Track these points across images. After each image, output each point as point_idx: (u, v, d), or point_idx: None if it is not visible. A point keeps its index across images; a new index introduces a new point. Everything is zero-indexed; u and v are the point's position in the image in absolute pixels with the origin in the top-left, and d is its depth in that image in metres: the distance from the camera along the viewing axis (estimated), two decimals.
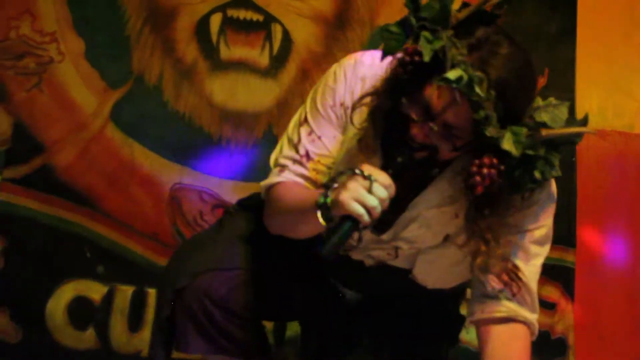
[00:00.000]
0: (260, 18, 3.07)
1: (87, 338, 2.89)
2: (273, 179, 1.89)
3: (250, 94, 3.04)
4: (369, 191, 1.58)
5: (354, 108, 1.80)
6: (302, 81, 3.07)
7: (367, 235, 1.83)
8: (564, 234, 3.26)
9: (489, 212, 1.71)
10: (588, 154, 3.30)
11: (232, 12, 3.06)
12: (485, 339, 1.88)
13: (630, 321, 3.30)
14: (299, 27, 3.09)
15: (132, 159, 2.96)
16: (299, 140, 1.87)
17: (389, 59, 1.71)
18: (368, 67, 1.83)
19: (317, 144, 1.85)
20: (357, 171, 1.61)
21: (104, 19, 2.99)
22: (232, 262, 1.99)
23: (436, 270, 1.96)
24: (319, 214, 1.63)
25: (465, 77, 1.55)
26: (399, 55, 1.65)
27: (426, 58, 1.58)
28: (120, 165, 2.96)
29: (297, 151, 1.87)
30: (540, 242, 1.93)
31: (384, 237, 1.88)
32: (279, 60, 3.08)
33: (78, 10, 2.98)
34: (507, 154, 1.61)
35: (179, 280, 1.95)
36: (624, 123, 3.36)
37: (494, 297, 1.86)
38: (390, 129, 1.71)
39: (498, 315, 1.86)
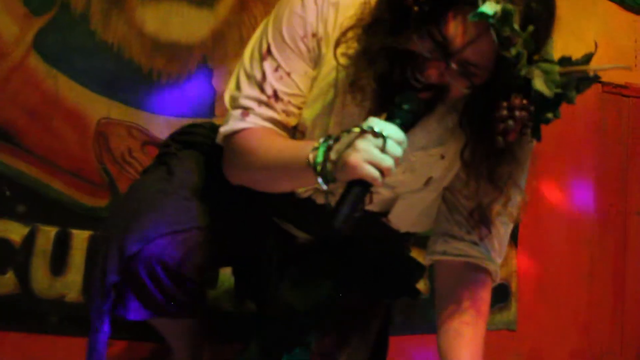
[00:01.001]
0: None
1: (6, 282, 2.73)
2: (236, 124, 1.73)
3: (184, 24, 2.89)
4: (382, 150, 1.46)
5: (338, 44, 1.62)
6: (240, 12, 2.94)
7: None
8: None
9: (496, 158, 1.61)
10: None
11: None
12: (443, 281, 1.83)
13: (572, 268, 3.31)
14: None
15: (56, 92, 2.80)
16: (264, 77, 1.71)
17: None
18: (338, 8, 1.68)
19: (286, 81, 1.71)
20: (366, 128, 1.47)
21: None
22: (187, 221, 1.85)
23: (413, 214, 1.88)
24: (320, 180, 1.51)
25: (499, 11, 1.43)
26: None
27: None
28: (43, 97, 2.79)
29: (262, 90, 1.71)
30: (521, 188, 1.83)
31: None
32: None
33: None
34: (534, 94, 1.50)
35: (129, 246, 1.80)
36: None
37: (459, 238, 1.81)
38: (389, 68, 1.55)
39: (460, 259, 1.80)
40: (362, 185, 1.48)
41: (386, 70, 1.55)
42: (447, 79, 1.53)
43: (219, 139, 1.80)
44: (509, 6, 1.45)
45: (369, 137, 1.47)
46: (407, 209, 1.86)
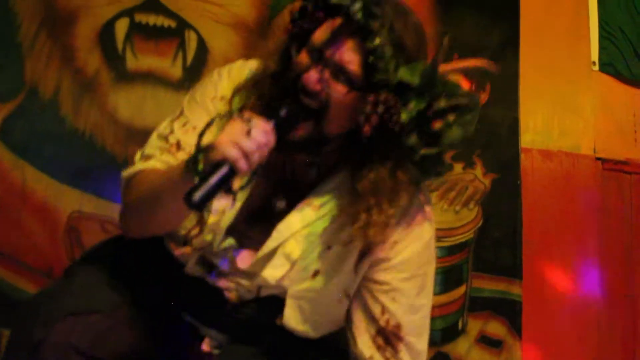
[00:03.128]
0: (173, 24, 2.87)
1: None
2: (136, 166, 1.79)
3: (159, 110, 2.80)
4: (247, 135, 1.52)
5: (237, 91, 1.75)
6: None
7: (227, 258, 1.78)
8: (509, 265, 3.17)
9: (373, 196, 1.67)
10: (533, 176, 3.22)
11: (141, 17, 2.85)
12: None
13: (579, 354, 3.20)
14: (216, 34, 2.90)
15: (24, 183, 2.70)
16: (171, 131, 1.80)
17: None
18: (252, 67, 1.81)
19: (190, 134, 1.76)
20: (235, 114, 1.59)
21: None
22: (90, 305, 1.78)
23: (309, 316, 1.82)
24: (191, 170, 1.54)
25: (359, 1, 1.58)
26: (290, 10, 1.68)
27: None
28: (10, 190, 2.69)
29: (166, 141, 1.79)
30: (420, 288, 1.81)
31: (245, 265, 1.78)
32: (193, 72, 2.87)
33: None
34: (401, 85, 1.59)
35: (34, 333, 1.69)
36: (571, 143, 3.29)
37: None
38: (277, 91, 1.67)
39: None
40: (228, 167, 1.51)
41: (273, 90, 1.68)
42: (325, 86, 1.62)
43: (121, 186, 1.82)
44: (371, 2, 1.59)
45: (237, 121, 1.54)
46: (300, 310, 1.81)
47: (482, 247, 3.11)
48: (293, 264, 1.75)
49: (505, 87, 3.20)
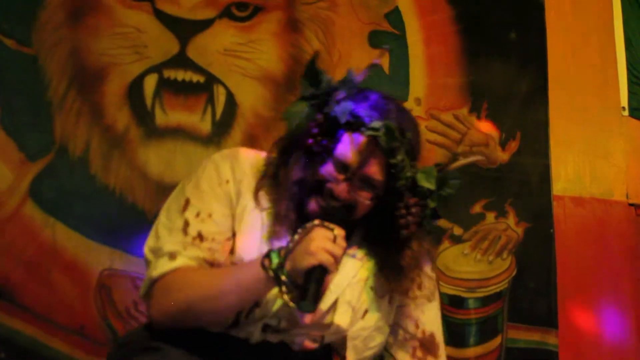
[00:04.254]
0: (201, 79, 2.90)
1: None
2: (166, 266, 1.89)
3: (189, 165, 2.81)
4: (334, 241, 1.78)
5: (258, 189, 1.95)
6: (249, 148, 2.85)
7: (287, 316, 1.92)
8: (544, 314, 3.17)
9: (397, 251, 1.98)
10: (566, 223, 3.22)
11: (169, 73, 2.88)
12: None
13: None
14: (245, 88, 2.94)
15: (54, 242, 2.71)
16: (186, 223, 1.92)
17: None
18: (244, 152, 2.06)
19: (208, 222, 1.92)
20: (317, 223, 1.81)
21: (22, 81, 2.76)
22: None
23: (361, 352, 2.04)
24: (275, 278, 1.77)
25: (383, 127, 1.87)
26: (310, 125, 1.92)
27: (343, 119, 1.88)
28: (41, 249, 2.70)
29: (186, 234, 1.91)
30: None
31: (309, 320, 1.94)
32: (222, 126, 2.90)
33: None
34: (420, 189, 1.91)
35: None
36: (603, 189, 3.28)
37: None
38: (304, 198, 1.91)
39: None
40: (321, 269, 1.74)
41: (302, 199, 1.90)
42: (354, 195, 1.89)
43: (144, 286, 1.94)
44: (390, 123, 1.87)
45: (321, 230, 1.79)
46: (353, 349, 2.01)
47: (517, 297, 3.10)
48: (353, 308, 1.98)
49: (535, 134, 3.22)
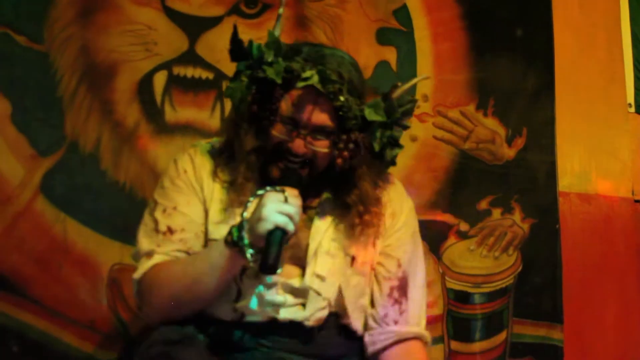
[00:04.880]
0: (210, 76, 2.93)
1: None
2: (144, 265, 2.00)
3: None
4: (286, 202, 1.84)
5: (215, 169, 2.07)
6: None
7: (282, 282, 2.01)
8: (549, 310, 3.20)
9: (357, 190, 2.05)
10: (572, 220, 3.25)
11: (179, 70, 2.92)
12: None
13: None
14: None
15: (65, 237, 2.74)
16: (156, 222, 2.04)
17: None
18: (202, 142, 2.19)
19: (174, 215, 2.02)
20: (267, 189, 1.87)
21: (33, 78, 2.79)
22: None
23: (358, 305, 2.12)
24: (244, 251, 1.83)
25: (315, 74, 1.92)
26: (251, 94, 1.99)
27: (278, 80, 1.94)
28: (52, 243, 2.73)
29: (157, 232, 2.02)
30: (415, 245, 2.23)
31: (301, 282, 2.02)
32: None
33: (3, 69, 2.77)
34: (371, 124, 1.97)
35: None
36: (609, 186, 3.30)
37: (381, 325, 2.14)
38: (263, 166, 1.99)
39: (389, 342, 2.12)
40: (281, 232, 1.80)
41: (261, 168, 1.99)
42: (311, 148, 1.95)
43: (133, 289, 2.05)
44: (322, 68, 1.93)
45: (271, 194, 1.85)
46: (352, 300, 2.09)
47: (523, 292, 3.13)
48: (333, 256, 2.06)
49: (541, 131, 3.24)
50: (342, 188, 2.06)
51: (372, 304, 2.15)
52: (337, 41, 3.07)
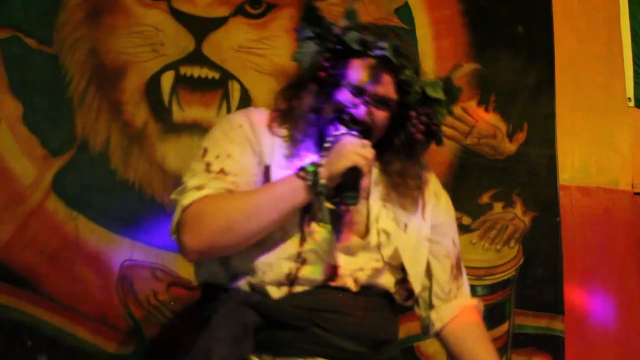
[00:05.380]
0: (216, 75, 3.00)
1: None
2: (193, 195, 1.96)
3: None
4: (363, 146, 1.94)
5: (271, 122, 2.11)
6: None
7: (354, 242, 2.07)
8: (551, 301, 3.25)
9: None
10: (572, 212, 3.29)
11: (185, 70, 2.98)
12: (451, 337, 2.28)
13: None
14: (259, 84, 3.03)
15: (77, 234, 2.81)
16: (207, 165, 2.01)
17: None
18: (255, 107, 2.26)
19: (229, 161, 2.01)
20: (344, 131, 1.97)
21: (43, 79, 2.86)
22: None
23: (417, 267, 2.20)
24: (312, 184, 1.91)
25: (389, 47, 2.01)
26: (321, 60, 2.06)
27: (356, 47, 2.03)
28: (64, 241, 2.80)
29: (209, 172, 2.00)
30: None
31: (368, 239, 2.08)
32: None
33: (15, 71, 2.85)
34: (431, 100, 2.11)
35: None
36: (609, 179, 3.36)
37: (445, 301, 2.28)
38: (322, 128, 2.05)
39: (454, 314, 2.28)
40: (355, 172, 1.89)
41: (320, 129, 2.04)
42: (371, 116, 2.04)
43: (174, 220, 2.01)
44: (395, 42, 2.03)
45: (351, 136, 1.95)
46: (410, 260, 2.16)
47: (524, 284, 3.19)
48: (393, 220, 2.13)
49: (542, 126, 3.29)
50: (389, 160, 2.16)
51: (431, 279, 2.28)
52: None
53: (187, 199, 1.97)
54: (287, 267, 1.99)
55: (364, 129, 2.03)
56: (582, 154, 3.33)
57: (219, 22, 3.02)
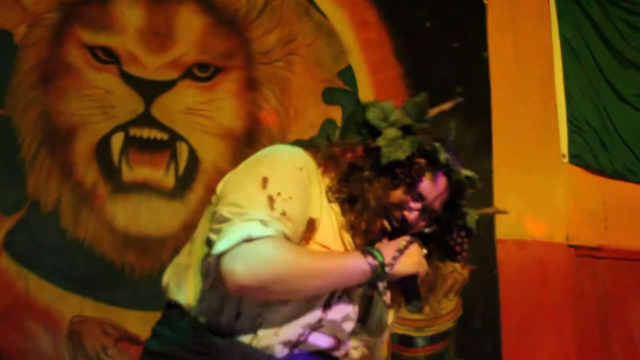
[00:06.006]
0: (165, 137, 3.12)
1: None
2: (259, 231, 1.80)
3: (154, 218, 3.06)
4: (424, 257, 1.99)
5: (331, 189, 2.03)
6: (210, 202, 3.06)
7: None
8: (489, 352, 3.36)
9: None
10: (509, 265, 3.41)
11: (135, 131, 3.10)
12: None
13: None
14: (206, 145, 3.16)
15: (28, 292, 2.91)
16: (271, 199, 1.85)
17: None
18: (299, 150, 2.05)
19: (290, 204, 1.88)
20: (416, 239, 1.99)
21: None
22: None
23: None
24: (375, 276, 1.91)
25: (465, 178, 2.11)
26: (408, 157, 2.04)
27: (443, 161, 2.06)
28: (15, 299, 2.89)
29: (273, 209, 1.84)
30: None
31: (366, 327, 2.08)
32: (185, 181, 3.13)
33: None
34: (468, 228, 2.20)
35: None
36: (544, 233, 3.48)
37: None
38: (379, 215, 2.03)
39: None
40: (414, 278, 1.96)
41: (377, 216, 2.02)
42: (419, 224, 2.05)
43: (227, 243, 1.80)
44: (474, 175, 2.11)
45: (419, 247, 1.97)
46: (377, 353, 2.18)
47: (463, 335, 3.31)
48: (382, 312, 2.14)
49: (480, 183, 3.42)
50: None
51: None
52: (286, 102, 3.26)
53: (253, 230, 1.80)
54: (302, 330, 1.98)
55: (403, 229, 2.05)
56: (518, 208, 3.46)
57: (168, 85, 3.15)
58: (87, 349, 2.91)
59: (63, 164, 3.01)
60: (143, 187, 3.07)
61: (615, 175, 3.69)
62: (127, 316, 2.96)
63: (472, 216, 2.19)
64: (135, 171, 3.07)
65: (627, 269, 3.59)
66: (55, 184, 3.00)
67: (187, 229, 3.05)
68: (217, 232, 1.82)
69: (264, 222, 1.81)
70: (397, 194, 2.04)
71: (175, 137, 3.12)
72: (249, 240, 1.79)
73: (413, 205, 2.05)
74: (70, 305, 2.93)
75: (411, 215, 2.04)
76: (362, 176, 2.06)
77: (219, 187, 1.96)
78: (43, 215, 2.97)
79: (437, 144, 2.10)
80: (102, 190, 3.03)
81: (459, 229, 2.18)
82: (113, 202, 3.03)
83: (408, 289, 1.98)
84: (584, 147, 3.64)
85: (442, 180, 2.08)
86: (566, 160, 3.60)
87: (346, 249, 1.98)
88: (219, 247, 1.80)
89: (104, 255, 2.99)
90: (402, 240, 1.98)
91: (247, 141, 3.19)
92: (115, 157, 3.06)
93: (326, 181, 2.04)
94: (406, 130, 2.12)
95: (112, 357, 2.91)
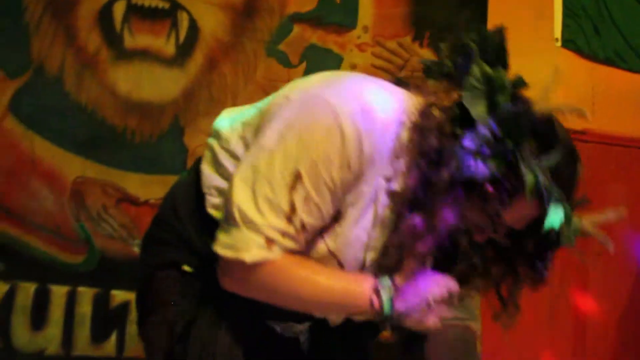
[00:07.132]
0: (166, 6, 3.21)
1: None
2: (261, 254, 1.65)
3: (155, 84, 3.18)
4: (450, 300, 1.74)
5: (389, 180, 1.70)
6: (210, 71, 3.23)
7: None
8: None
9: None
10: None
11: (137, 0, 3.17)
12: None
13: None
14: (206, 15, 3.24)
15: (33, 152, 3.05)
16: (293, 209, 1.65)
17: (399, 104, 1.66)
18: (382, 117, 1.65)
19: (314, 213, 1.67)
20: (448, 294, 1.73)
21: (0, 5, 3.06)
22: None
23: None
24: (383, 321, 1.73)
25: (563, 217, 1.69)
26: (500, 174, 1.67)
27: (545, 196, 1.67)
28: (20, 158, 3.04)
29: (290, 222, 1.65)
30: None
31: None
32: (185, 49, 3.23)
33: None
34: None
35: None
36: None
37: None
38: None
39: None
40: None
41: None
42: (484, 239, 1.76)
43: (225, 254, 1.68)
44: (569, 210, 1.71)
45: (445, 301, 1.74)
46: None
47: None
48: None
49: None
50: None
51: None
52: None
53: (252, 254, 1.65)
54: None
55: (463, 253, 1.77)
56: None
57: None
58: (88, 207, 3.08)
59: (66, 29, 3.11)
60: (144, 54, 3.17)
61: (607, 61, 3.79)
62: (127, 178, 3.12)
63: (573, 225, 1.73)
64: (137, 39, 3.17)
65: (611, 153, 3.73)
66: (59, 49, 3.10)
67: (187, 96, 3.21)
68: (221, 224, 1.68)
69: (269, 240, 1.65)
70: (481, 222, 1.68)
71: (176, 6, 3.21)
72: (246, 265, 1.66)
73: (489, 226, 1.68)
74: (73, 167, 3.08)
75: (480, 238, 1.71)
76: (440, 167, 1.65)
77: (279, 97, 1.69)
78: (47, 79, 3.08)
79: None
80: (105, 56, 3.14)
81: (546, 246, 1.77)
82: (115, 69, 3.15)
83: (409, 342, 1.87)
84: (578, 32, 3.72)
85: (532, 211, 1.69)
86: (559, 44, 3.69)
87: (364, 261, 1.74)
88: (216, 247, 1.68)
89: (105, 119, 3.12)
90: (438, 287, 1.73)
91: (246, 12, 3.29)
92: (118, 24, 3.16)
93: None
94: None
95: (113, 217, 3.09)
